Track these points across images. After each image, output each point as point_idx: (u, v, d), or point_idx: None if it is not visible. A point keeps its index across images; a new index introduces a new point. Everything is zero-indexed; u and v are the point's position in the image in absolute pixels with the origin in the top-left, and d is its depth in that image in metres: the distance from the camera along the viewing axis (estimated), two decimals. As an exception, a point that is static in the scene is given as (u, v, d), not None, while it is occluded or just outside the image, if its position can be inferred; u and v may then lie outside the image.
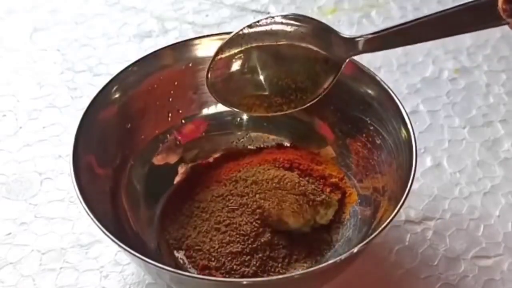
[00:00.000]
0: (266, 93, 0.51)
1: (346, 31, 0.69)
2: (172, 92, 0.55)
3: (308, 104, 0.51)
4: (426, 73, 0.65)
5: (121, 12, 0.71)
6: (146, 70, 0.54)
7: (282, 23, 0.50)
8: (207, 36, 0.56)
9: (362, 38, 0.48)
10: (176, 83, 0.55)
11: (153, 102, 0.54)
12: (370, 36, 0.48)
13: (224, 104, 0.52)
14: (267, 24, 0.50)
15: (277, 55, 0.50)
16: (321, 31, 0.49)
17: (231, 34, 0.51)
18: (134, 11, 0.71)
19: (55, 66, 0.66)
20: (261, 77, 0.51)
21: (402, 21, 0.69)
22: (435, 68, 0.66)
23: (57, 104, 0.63)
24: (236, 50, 0.51)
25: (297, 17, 0.50)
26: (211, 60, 0.51)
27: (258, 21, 0.50)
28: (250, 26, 0.50)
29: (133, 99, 0.53)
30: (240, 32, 0.50)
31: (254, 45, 0.50)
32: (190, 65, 0.55)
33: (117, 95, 0.52)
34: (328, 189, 0.53)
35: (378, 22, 0.70)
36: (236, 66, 0.51)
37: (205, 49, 0.55)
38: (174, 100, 0.55)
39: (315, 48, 0.49)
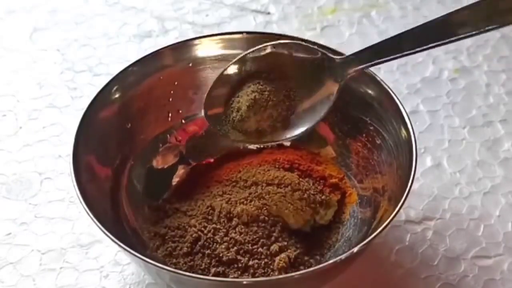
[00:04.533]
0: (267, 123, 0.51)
1: (346, 31, 0.69)
2: (172, 92, 0.55)
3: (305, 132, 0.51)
4: (426, 73, 0.65)
5: (121, 12, 0.71)
6: (146, 70, 0.54)
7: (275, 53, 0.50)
8: (207, 36, 0.56)
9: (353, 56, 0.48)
10: (176, 83, 0.55)
11: (153, 102, 0.54)
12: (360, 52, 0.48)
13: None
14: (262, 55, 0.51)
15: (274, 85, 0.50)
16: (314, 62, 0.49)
17: (228, 66, 0.51)
18: (134, 11, 0.71)
19: (55, 66, 0.66)
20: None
21: (402, 21, 0.70)
22: (435, 68, 0.66)
23: (57, 104, 0.63)
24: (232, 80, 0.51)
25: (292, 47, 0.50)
26: (207, 94, 0.51)
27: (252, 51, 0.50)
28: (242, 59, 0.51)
29: (133, 99, 0.53)
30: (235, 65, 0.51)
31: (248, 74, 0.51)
32: (190, 65, 0.55)
33: (117, 95, 0.52)
34: (328, 190, 0.53)
35: (378, 22, 0.70)
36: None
37: (205, 49, 0.55)
38: (174, 100, 0.55)
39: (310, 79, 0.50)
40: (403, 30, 0.46)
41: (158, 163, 0.55)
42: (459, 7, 0.44)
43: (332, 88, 0.49)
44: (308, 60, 0.50)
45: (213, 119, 0.51)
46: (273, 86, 0.50)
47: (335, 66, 0.49)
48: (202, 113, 0.51)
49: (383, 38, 0.67)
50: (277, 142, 0.53)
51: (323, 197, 0.52)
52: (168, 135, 0.55)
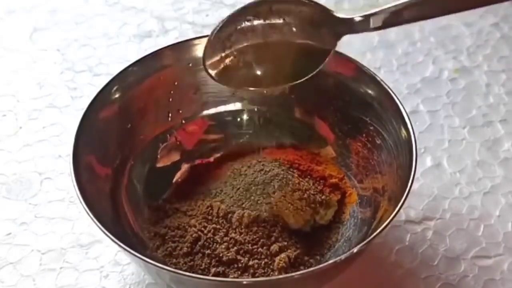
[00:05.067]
0: (262, 72, 0.50)
1: (346, 31, 0.69)
2: (172, 92, 0.55)
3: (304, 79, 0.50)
4: (426, 73, 0.65)
5: (121, 12, 0.71)
6: (146, 70, 0.54)
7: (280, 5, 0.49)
8: (207, 36, 0.56)
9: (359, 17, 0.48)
10: (176, 83, 0.55)
11: (153, 102, 0.54)
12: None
13: (221, 82, 0.50)
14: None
15: (272, 37, 0.50)
16: (318, 14, 0.49)
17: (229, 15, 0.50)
18: (134, 11, 0.71)
19: (55, 66, 0.66)
20: (258, 60, 0.50)
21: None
22: (435, 68, 0.66)
23: (57, 104, 0.63)
24: (231, 31, 0.50)
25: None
26: (207, 42, 0.49)
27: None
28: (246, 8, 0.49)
29: (133, 99, 0.53)
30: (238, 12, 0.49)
31: (249, 26, 0.49)
32: (190, 65, 0.55)
33: (117, 95, 0.52)
34: (328, 190, 0.53)
35: (378, 22, 0.70)
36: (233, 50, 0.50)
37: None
38: (174, 100, 0.55)
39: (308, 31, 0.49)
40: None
41: (158, 163, 0.55)
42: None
43: (331, 41, 0.49)
44: (309, 12, 0.49)
45: (214, 68, 0.50)
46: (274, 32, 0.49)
47: (337, 21, 0.49)
48: (207, 69, 0.49)
49: (383, 38, 0.68)
50: (279, 86, 0.52)
51: (323, 197, 0.52)
52: (168, 135, 0.55)
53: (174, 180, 0.55)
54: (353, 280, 0.50)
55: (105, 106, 0.51)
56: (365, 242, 0.44)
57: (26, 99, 0.63)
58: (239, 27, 0.49)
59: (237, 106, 0.57)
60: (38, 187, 0.56)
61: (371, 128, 0.52)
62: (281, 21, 0.49)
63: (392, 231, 0.53)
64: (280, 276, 0.46)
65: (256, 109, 0.57)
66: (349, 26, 0.48)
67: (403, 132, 0.49)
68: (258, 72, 0.50)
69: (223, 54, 0.49)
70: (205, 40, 0.55)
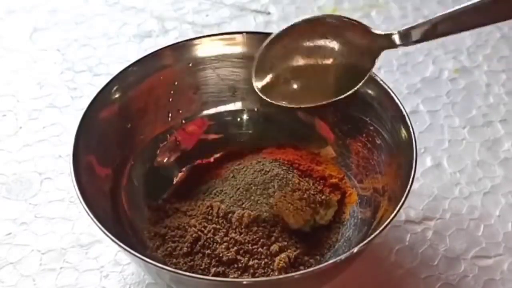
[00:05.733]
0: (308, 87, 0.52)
1: (346, 31, 0.69)
2: (172, 92, 0.55)
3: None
4: (426, 73, 0.65)
5: (121, 12, 0.71)
6: (146, 70, 0.54)
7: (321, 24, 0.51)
8: (207, 36, 0.56)
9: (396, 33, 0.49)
10: (176, 83, 0.55)
11: (153, 102, 0.54)
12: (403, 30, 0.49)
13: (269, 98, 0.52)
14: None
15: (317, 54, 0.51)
16: (359, 33, 0.50)
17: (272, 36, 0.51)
18: (134, 11, 0.71)
19: (55, 66, 0.66)
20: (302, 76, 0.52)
21: (402, 21, 0.70)
22: (435, 68, 0.66)
23: (57, 104, 0.63)
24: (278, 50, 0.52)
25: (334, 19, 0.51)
26: (256, 60, 0.52)
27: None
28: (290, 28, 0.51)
29: (133, 99, 0.53)
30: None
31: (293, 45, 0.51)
32: (190, 65, 0.55)
33: (117, 95, 0.52)
34: (328, 190, 0.53)
35: (378, 22, 0.70)
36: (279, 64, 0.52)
37: (205, 49, 0.55)
38: (174, 100, 0.55)
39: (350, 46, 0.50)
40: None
41: (158, 163, 0.55)
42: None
43: (369, 60, 0.50)
44: (351, 31, 0.50)
45: (260, 85, 0.52)
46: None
47: (376, 39, 0.50)
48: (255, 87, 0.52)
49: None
50: (317, 104, 0.53)
51: (323, 197, 0.52)
52: (168, 135, 0.55)
53: (174, 180, 0.55)
54: (353, 280, 0.50)
55: (105, 106, 0.51)
56: (365, 242, 0.44)
57: (26, 99, 0.63)
58: (284, 46, 0.51)
59: (237, 106, 0.57)
60: (38, 187, 0.56)
61: (371, 128, 0.52)
62: (324, 41, 0.50)
63: (392, 231, 0.53)
64: (280, 276, 0.46)
65: (256, 109, 0.57)
66: (387, 43, 0.49)
67: (403, 132, 0.49)
68: (299, 89, 0.52)
69: (269, 72, 0.52)
70: (205, 40, 0.55)
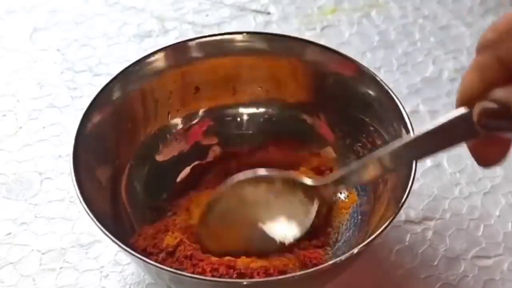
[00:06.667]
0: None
1: (346, 31, 0.69)
2: (172, 92, 0.55)
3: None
4: (426, 73, 0.65)
5: (121, 12, 0.71)
6: (146, 70, 0.54)
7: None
8: (207, 36, 0.56)
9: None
10: (176, 83, 0.55)
11: (153, 102, 0.54)
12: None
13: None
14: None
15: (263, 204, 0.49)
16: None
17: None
18: (134, 11, 0.71)
19: (55, 66, 0.66)
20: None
21: (402, 21, 0.70)
22: (435, 68, 0.66)
23: (57, 104, 0.63)
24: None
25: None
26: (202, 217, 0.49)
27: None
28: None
29: (133, 99, 0.53)
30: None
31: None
32: (190, 65, 0.55)
33: (117, 95, 0.52)
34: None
35: (378, 22, 0.70)
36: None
37: (205, 49, 0.55)
38: (174, 100, 0.55)
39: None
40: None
41: (158, 163, 0.55)
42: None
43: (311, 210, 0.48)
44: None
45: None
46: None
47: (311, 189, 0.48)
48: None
49: (383, 38, 0.68)
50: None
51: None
52: (167, 135, 0.55)
53: (174, 180, 0.55)
54: (353, 280, 0.50)
55: (105, 106, 0.51)
56: (365, 242, 0.44)
57: (26, 99, 0.63)
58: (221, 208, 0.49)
59: (237, 106, 0.57)
60: (38, 187, 0.56)
61: (371, 128, 0.52)
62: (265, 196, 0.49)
63: (392, 231, 0.53)
64: (280, 276, 0.46)
65: (256, 109, 0.57)
66: (321, 192, 0.48)
67: (403, 132, 0.49)
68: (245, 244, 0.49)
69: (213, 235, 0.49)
70: (205, 40, 0.55)
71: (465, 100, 0.37)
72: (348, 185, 0.47)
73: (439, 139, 0.39)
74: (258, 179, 0.48)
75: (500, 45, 0.35)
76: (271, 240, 0.48)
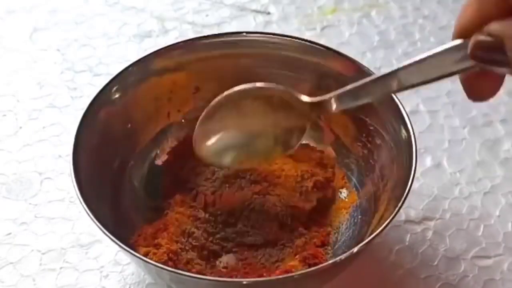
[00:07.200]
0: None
1: (346, 31, 0.69)
2: (172, 92, 0.55)
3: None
4: (426, 73, 0.65)
5: (121, 12, 0.71)
6: (146, 70, 0.54)
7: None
8: (207, 36, 0.56)
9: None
10: (176, 83, 0.55)
11: (153, 102, 0.54)
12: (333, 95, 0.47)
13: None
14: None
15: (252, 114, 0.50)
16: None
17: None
18: (134, 11, 0.71)
19: (55, 66, 0.66)
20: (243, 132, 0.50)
21: (402, 21, 0.70)
22: (435, 68, 0.66)
23: (57, 104, 0.63)
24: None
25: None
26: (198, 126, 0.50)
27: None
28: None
29: (133, 99, 0.53)
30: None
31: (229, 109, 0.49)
32: (190, 65, 0.55)
33: (117, 95, 0.52)
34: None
35: (378, 22, 0.70)
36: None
37: (205, 49, 0.55)
38: (174, 100, 0.55)
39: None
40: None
41: (158, 162, 0.55)
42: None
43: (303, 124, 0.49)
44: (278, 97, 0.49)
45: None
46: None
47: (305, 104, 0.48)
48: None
49: (383, 38, 0.68)
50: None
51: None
52: (168, 135, 0.55)
53: (174, 180, 0.55)
54: (353, 280, 0.50)
55: (105, 106, 0.51)
56: (365, 242, 0.44)
57: (26, 99, 0.63)
58: (221, 116, 0.49)
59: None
60: (38, 187, 0.56)
61: (371, 128, 0.52)
62: (260, 109, 0.49)
63: (392, 231, 0.53)
64: (280, 276, 0.46)
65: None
66: (315, 109, 0.47)
67: (403, 132, 0.49)
68: (241, 151, 0.50)
69: (209, 140, 0.50)
70: (205, 40, 0.55)
71: (462, 32, 0.37)
72: (344, 105, 0.46)
73: (433, 67, 0.39)
74: (256, 90, 0.49)
75: None
76: (264, 147, 0.49)
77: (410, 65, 0.40)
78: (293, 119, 0.48)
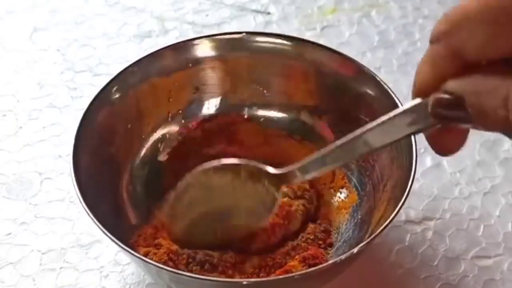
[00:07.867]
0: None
1: (346, 31, 0.69)
2: (172, 92, 0.55)
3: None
4: (426, 73, 0.65)
5: (121, 12, 0.71)
6: (146, 70, 0.54)
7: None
8: (207, 36, 0.56)
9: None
10: (176, 83, 0.55)
11: (153, 102, 0.54)
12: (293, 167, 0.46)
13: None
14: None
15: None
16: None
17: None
18: (134, 11, 0.71)
19: (55, 66, 0.66)
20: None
21: (402, 21, 0.70)
22: (435, 68, 0.66)
23: (57, 104, 0.63)
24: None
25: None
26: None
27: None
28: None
29: (133, 99, 0.53)
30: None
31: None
32: (190, 65, 0.55)
33: (117, 95, 0.52)
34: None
35: (378, 22, 0.70)
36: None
37: (205, 49, 0.55)
38: (174, 100, 0.55)
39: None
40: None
41: (158, 163, 0.55)
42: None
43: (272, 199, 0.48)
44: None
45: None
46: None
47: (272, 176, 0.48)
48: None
49: (383, 38, 0.68)
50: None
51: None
52: (168, 135, 0.55)
53: (174, 180, 0.55)
54: (353, 280, 0.50)
55: (105, 106, 0.51)
56: (365, 242, 0.44)
57: (26, 99, 0.63)
58: (187, 196, 0.49)
59: (237, 106, 0.57)
60: (38, 187, 0.56)
61: (371, 128, 0.52)
62: (225, 183, 0.48)
63: (392, 231, 0.53)
64: (280, 276, 0.46)
65: (256, 109, 0.57)
66: (283, 180, 0.47)
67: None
68: (221, 227, 0.49)
69: (182, 223, 0.49)
70: (205, 40, 0.55)
71: (420, 91, 0.37)
72: (310, 175, 0.46)
73: (397, 128, 0.39)
74: (223, 168, 0.48)
75: (451, 36, 0.34)
76: (241, 228, 0.49)
77: (374, 127, 0.40)
78: (263, 191, 0.48)
